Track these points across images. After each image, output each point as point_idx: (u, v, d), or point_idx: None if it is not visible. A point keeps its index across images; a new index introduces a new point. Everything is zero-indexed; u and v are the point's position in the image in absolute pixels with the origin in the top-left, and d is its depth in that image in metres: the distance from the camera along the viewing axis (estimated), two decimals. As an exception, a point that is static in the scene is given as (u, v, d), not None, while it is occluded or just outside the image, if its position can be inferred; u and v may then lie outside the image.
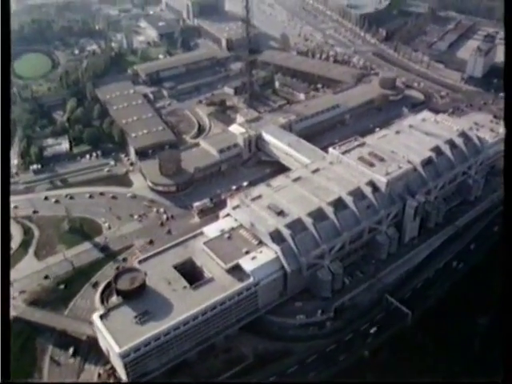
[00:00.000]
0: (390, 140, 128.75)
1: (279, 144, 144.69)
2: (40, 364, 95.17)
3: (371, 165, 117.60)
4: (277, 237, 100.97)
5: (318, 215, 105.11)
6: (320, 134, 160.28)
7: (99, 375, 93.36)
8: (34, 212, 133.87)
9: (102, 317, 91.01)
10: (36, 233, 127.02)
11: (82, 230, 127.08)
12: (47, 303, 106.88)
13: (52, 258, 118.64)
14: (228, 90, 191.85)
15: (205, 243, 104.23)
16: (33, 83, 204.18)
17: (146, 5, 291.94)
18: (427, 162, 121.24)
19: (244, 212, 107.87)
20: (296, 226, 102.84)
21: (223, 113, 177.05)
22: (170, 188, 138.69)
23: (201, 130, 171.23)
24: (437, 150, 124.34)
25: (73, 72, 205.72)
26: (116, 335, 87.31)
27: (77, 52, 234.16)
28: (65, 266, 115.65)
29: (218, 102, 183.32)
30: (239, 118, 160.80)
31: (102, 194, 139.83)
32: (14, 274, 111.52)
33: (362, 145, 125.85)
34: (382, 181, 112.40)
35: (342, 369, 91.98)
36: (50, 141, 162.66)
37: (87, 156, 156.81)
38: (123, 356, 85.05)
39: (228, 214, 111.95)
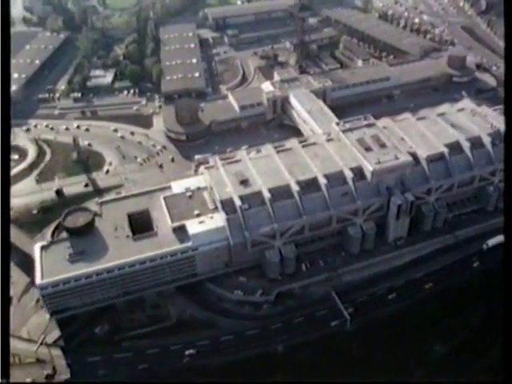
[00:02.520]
0: (406, 126, 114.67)
1: (300, 109, 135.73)
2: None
3: (368, 149, 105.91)
4: (229, 205, 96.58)
5: (281, 192, 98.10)
6: (360, 105, 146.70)
7: (37, 300, 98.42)
8: (55, 137, 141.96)
9: (43, 248, 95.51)
10: (47, 157, 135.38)
11: (87, 163, 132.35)
12: (25, 224, 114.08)
13: (48, 183, 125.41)
14: (288, 46, 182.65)
15: (164, 197, 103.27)
16: (115, 14, 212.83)
17: None
18: (437, 158, 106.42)
19: (212, 174, 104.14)
20: (253, 198, 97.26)
21: (271, 68, 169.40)
22: (180, 136, 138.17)
23: (243, 82, 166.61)
24: (454, 146, 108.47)
25: (149, 8, 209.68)
26: (45, 267, 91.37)
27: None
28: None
29: (272, 56, 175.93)
30: (276, 76, 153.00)
31: (117, 130, 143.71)
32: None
33: (370, 125, 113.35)
34: (368, 169, 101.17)
35: (249, 356, 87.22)
36: (97, 72, 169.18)
37: (125, 92, 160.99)
38: (41, 288, 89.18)
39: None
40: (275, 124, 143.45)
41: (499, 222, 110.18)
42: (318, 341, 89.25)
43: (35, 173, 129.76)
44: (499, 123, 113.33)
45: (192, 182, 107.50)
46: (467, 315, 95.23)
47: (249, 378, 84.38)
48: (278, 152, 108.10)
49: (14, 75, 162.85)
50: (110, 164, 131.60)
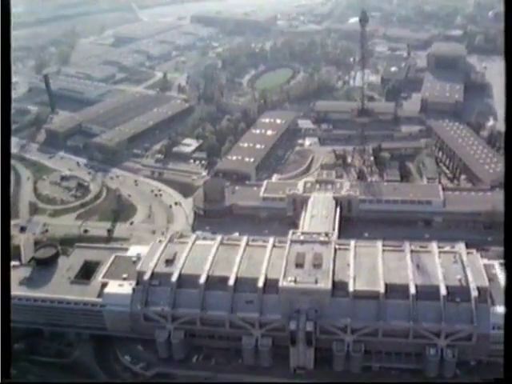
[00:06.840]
0: (366, 253, 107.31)
1: (308, 212, 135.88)
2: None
3: (299, 265, 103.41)
4: (142, 277, 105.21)
5: (191, 281, 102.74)
6: (390, 224, 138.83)
7: None
8: (117, 187, 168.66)
9: (13, 266, 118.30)
10: (98, 201, 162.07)
11: (120, 213, 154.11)
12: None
13: (82, 222, 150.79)
14: (368, 149, 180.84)
15: (115, 256, 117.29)
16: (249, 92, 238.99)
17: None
18: (368, 296, 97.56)
19: (153, 247, 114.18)
20: (165, 278, 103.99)
21: (333, 168, 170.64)
22: (199, 211, 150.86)
23: (300, 175, 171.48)
24: (400, 288, 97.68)
25: (270, 91, 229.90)
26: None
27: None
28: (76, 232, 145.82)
29: (342, 156, 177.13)
30: (317, 175, 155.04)
31: (161, 192, 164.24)
32: (52, 221, 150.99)
33: (324, 243, 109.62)
34: (279, 284, 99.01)
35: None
36: (188, 141, 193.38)
37: (197, 162, 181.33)
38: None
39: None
40: (289, 221, 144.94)
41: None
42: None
43: (81, 211, 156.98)
44: (477, 279, 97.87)
45: (145, 250, 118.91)
46: None
47: None
48: (221, 244, 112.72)
49: (128, 131, 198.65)
50: (133, 221, 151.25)
